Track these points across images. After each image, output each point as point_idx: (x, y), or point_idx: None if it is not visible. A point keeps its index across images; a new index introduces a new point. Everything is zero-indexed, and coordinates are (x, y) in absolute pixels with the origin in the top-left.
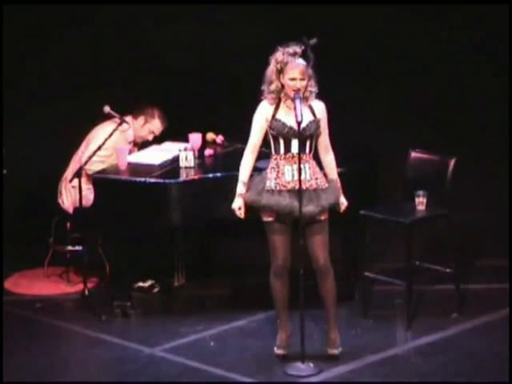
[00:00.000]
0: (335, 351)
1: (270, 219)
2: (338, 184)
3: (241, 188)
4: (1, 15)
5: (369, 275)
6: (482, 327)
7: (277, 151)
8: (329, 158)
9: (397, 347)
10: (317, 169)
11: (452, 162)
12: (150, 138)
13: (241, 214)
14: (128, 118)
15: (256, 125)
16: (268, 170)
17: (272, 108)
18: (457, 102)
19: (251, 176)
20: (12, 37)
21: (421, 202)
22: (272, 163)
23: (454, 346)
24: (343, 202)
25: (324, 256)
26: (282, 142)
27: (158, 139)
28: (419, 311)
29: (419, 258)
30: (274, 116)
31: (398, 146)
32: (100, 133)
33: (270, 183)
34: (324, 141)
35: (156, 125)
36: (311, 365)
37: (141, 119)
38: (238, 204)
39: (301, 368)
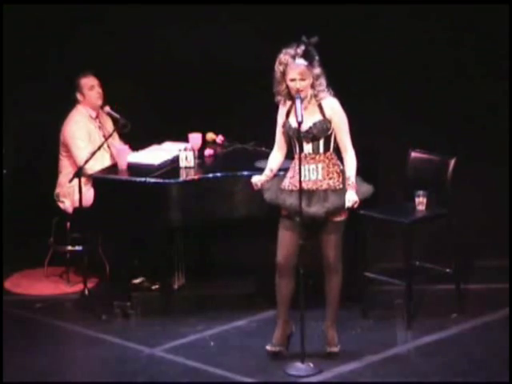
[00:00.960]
0: (335, 349)
1: (285, 214)
2: (349, 181)
3: (266, 170)
4: (1, 15)
5: (369, 275)
6: (482, 327)
7: (295, 151)
8: (346, 156)
9: (397, 347)
10: (333, 169)
11: (452, 162)
12: (99, 90)
13: (256, 187)
14: (80, 108)
15: (277, 126)
16: (289, 169)
17: (285, 109)
18: (457, 102)
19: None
20: (12, 37)
21: (421, 201)
22: (292, 162)
23: (454, 346)
24: (349, 199)
25: (334, 255)
26: (296, 142)
27: (158, 139)
28: (419, 311)
29: (419, 258)
30: (287, 117)
31: (398, 146)
32: (72, 130)
33: (285, 182)
34: (341, 139)
35: (86, 82)
36: (311, 365)
37: (79, 96)
38: (257, 178)
39: (301, 368)
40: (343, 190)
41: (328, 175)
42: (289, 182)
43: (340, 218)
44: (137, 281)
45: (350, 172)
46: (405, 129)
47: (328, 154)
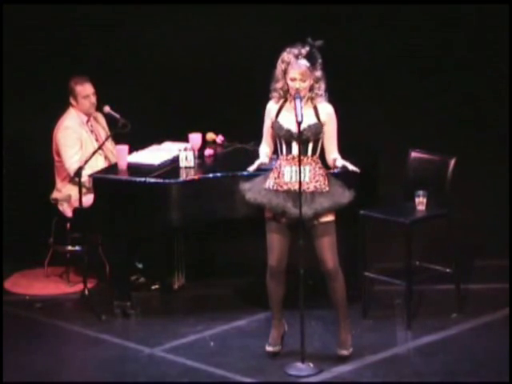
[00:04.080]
0: (345, 352)
1: (269, 216)
2: (337, 157)
3: (262, 156)
4: (1, 15)
5: (369, 275)
6: (482, 327)
7: (281, 152)
8: (331, 156)
9: (397, 347)
10: (320, 171)
11: (452, 162)
12: (94, 100)
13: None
14: (72, 111)
15: (264, 126)
16: (272, 170)
17: (276, 107)
18: (457, 102)
19: (257, 176)
20: (12, 38)
21: (421, 201)
22: (276, 163)
23: (454, 346)
24: (347, 164)
25: (332, 258)
26: (283, 143)
27: (158, 139)
28: (419, 311)
29: (419, 258)
30: (277, 116)
31: (398, 146)
32: (63, 137)
33: (270, 182)
34: (330, 144)
35: (81, 90)
36: (311, 365)
37: (72, 100)
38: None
39: (301, 368)
40: (330, 193)
41: (314, 178)
42: (274, 183)
43: (328, 219)
44: (139, 280)
45: (337, 155)
46: (405, 129)
47: (315, 157)
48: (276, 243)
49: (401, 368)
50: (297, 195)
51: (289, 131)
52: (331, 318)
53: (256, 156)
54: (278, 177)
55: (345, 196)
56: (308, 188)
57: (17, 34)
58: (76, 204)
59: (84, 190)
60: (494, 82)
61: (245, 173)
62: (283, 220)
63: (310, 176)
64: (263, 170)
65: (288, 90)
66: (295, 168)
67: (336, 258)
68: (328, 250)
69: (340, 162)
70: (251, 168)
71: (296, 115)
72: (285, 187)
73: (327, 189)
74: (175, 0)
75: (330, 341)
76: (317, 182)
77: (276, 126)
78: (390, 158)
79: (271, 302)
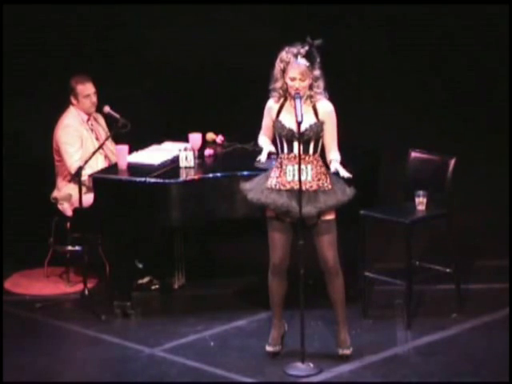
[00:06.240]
0: (347, 351)
1: (271, 215)
2: (333, 160)
3: (267, 147)
4: (1, 15)
5: (369, 275)
6: (482, 327)
7: (282, 151)
8: (331, 154)
9: (397, 347)
10: (321, 170)
11: (452, 162)
12: (94, 99)
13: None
14: (73, 110)
15: (264, 123)
16: (273, 169)
17: (276, 106)
18: (457, 102)
19: (257, 175)
20: (12, 38)
21: (421, 201)
22: (277, 162)
23: (454, 346)
24: (340, 169)
25: (332, 257)
26: (285, 142)
27: (158, 139)
28: (419, 311)
29: (419, 258)
30: (277, 115)
31: (398, 146)
32: (62, 135)
33: (272, 181)
34: (328, 142)
35: (82, 89)
36: (311, 365)
37: (73, 99)
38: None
39: (301, 368)
40: (332, 191)
41: (316, 176)
42: (276, 182)
43: (330, 217)
44: (143, 281)
45: (335, 157)
46: (405, 129)
47: (316, 155)
48: (279, 241)
49: (401, 368)
50: (300, 194)
51: (291, 131)
52: (331, 317)
53: (256, 156)
54: (280, 175)
55: (346, 194)
56: (311, 187)
57: (17, 34)
58: (76, 204)
59: (84, 190)
60: (494, 82)
61: (245, 173)
62: (287, 219)
63: (312, 174)
64: (262, 170)
65: (287, 90)
66: (297, 167)
67: (337, 256)
68: (329, 248)
69: (333, 167)
70: (262, 158)
71: (296, 115)
72: (287, 186)
73: (330, 187)
74: (176, 0)
75: (329, 341)
76: (319, 180)
77: (277, 126)
78: (390, 158)
79: (272, 301)
